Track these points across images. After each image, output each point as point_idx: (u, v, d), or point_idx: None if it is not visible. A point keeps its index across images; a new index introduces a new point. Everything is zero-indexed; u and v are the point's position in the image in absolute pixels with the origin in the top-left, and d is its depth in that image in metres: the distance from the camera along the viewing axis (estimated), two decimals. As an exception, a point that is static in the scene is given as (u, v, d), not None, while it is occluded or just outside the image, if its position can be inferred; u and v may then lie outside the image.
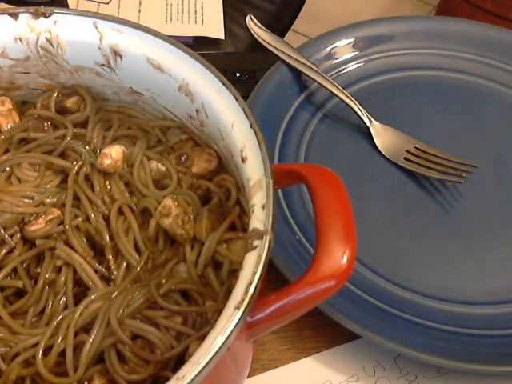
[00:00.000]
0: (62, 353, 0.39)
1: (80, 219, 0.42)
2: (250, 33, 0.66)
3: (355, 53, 0.66)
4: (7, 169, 0.44)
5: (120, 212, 0.43)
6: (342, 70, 0.65)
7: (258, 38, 0.65)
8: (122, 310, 0.38)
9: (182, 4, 0.78)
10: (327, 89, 0.61)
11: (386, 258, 0.53)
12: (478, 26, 0.67)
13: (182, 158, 0.45)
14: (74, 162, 0.44)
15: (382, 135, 0.60)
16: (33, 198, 0.43)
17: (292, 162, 0.58)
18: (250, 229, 0.35)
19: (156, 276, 0.40)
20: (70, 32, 0.44)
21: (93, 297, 0.39)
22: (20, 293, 0.42)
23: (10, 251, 0.42)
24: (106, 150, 0.43)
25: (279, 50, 0.63)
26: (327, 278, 0.34)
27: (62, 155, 0.45)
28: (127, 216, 0.42)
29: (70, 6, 0.74)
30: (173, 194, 0.43)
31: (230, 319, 0.31)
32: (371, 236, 0.54)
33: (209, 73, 0.41)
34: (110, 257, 0.41)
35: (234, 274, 0.39)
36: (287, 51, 0.62)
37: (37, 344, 0.39)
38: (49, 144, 0.45)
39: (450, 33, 0.67)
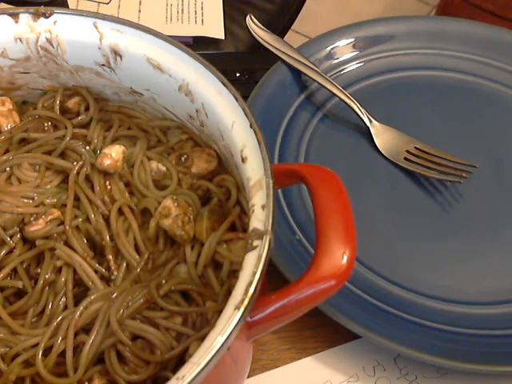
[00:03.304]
0: (62, 353, 0.39)
1: (80, 219, 0.42)
2: (250, 33, 0.66)
3: (355, 53, 0.66)
4: (7, 169, 0.44)
5: (120, 212, 0.43)
6: (342, 70, 0.65)
7: (258, 38, 0.65)
8: (121, 311, 0.38)
9: (182, 4, 0.78)
10: (327, 89, 0.61)
11: (386, 258, 0.53)
12: (478, 26, 0.67)
13: (182, 158, 0.44)
14: (75, 163, 0.44)
15: (382, 135, 0.60)
16: (33, 199, 0.43)
17: (292, 162, 0.58)
18: (250, 229, 0.35)
19: (156, 276, 0.40)
20: (69, 32, 0.44)
21: (93, 297, 0.39)
22: (20, 293, 0.42)
23: (10, 251, 0.42)
24: (106, 150, 0.43)
25: (279, 50, 0.63)
26: (327, 278, 0.34)
27: (62, 155, 0.45)
28: (127, 216, 0.42)
29: (70, 6, 0.74)
30: (173, 194, 0.43)
31: (230, 319, 0.31)
32: (371, 236, 0.54)
33: (209, 73, 0.41)
34: (110, 257, 0.41)
35: (234, 274, 0.39)
36: (287, 51, 0.62)
37: (37, 344, 0.39)
38: (49, 144, 0.45)
39: (450, 33, 0.67)
